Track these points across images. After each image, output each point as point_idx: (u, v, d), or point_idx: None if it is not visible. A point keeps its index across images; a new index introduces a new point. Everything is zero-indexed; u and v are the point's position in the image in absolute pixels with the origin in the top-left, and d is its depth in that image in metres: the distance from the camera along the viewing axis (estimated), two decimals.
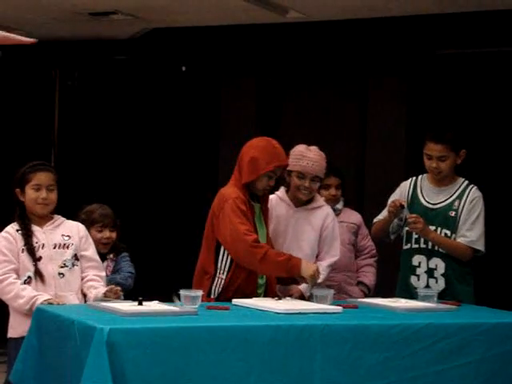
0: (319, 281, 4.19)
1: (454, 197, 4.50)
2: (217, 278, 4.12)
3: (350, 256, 4.85)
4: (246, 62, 7.05)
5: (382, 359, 3.53)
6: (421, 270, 4.51)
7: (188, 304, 3.65)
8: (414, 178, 4.66)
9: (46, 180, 4.02)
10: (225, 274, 4.11)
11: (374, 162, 6.57)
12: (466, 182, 4.57)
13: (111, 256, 4.56)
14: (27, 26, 6.98)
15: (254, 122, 7.01)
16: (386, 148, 6.51)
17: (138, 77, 7.50)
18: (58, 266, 3.95)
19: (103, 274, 4.13)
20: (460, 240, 4.45)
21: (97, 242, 4.45)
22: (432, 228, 4.48)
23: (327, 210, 4.53)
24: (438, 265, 4.47)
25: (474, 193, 4.50)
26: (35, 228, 4.00)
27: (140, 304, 3.57)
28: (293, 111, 7.01)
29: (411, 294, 4.37)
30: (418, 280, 4.49)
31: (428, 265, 4.49)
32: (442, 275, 4.46)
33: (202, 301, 3.78)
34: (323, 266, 4.37)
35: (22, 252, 3.93)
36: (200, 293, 3.73)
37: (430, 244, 4.48)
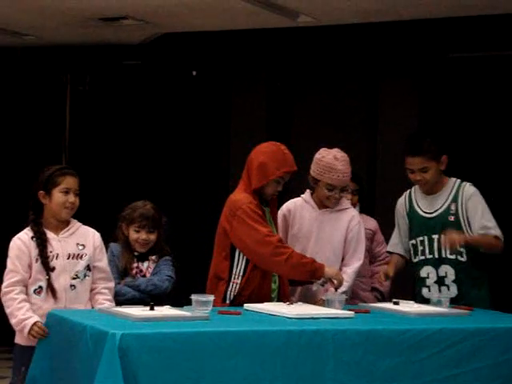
0: (344, 289, 4.20)
1: (448, 201, 4.43)
2: (231, 283, 4.12)
3: (365, 262, 4.83)
4: (257, 67, 7.05)
5: (394, 364, 3.52)
6: (430, 281, 4.44)
7: (200, 309, 3.65)
8: (408, 192, 4.58)
9: (74, 184, 3.96)
10: (239, 278, 4.11)
11: (385, 164, 6.55)
12: (458, 181, 4.48)
13: (153, 258, 4.47)
14: (38, 32, 7.01)
15: (265, 126, 7.01)
16: (397, 151, 6.48)
17: (148, 82, 7.51)
18: (70, 277, 3.90)
19: (112, 284, 4.07)
20: (487, 232, 4.34)
21: (133, 242, 4.44)
22: (435, 236, 4.41)
23: (352, 212, 4.51)
24: (448, 271, 4.41)
25: (467, 190, 4.42)
26: (50, 235, 3.93)
27: (152, 309, 3.57)
28: (303, 115, 7.00)
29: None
30: (429, 291, 4.43)
31: (438, 274, 4.42)
32: (454, 281, 4.41)
33: (217, 306, 3.78)
34: (348, 272, 4.36)
35: (36, 262, 3.87)
36: (211, 298, 3.72)
37: (436, 253, 4.42)
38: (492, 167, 6.21)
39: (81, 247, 3.95)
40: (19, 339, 3.89)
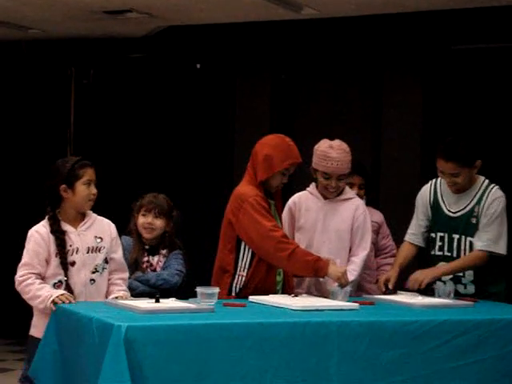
0: (353, 278, 4.23)
1: (473, 202, 4.36)
2: (237, 276, 4.13)
3: (370, 254, 4.82)
4: (261, 59, 7.06)
5: (399, 355, 3.53)
6: (446, 277, 4.37)
7: (205, 301, 3.66)
8: (434, 181, 4.50)
9: (94, 175, 3.92)
10: (245, 271, 4.13)
11: (389, 158, 6.55)
12: (486, 181, 4.41)
13: (164, 252, 4.44)
14: (43, 25, 7.02)
15: (269, 119, 7.01)
16: (401, 144, 6.51)
17: (153, 75, 7.52)
18: (90, 271, 3.86)
19: (126, 275, 4.05)
20: (476, 244, 4.30)
21: (140, 227, 4.42)
22: (455, 236, 4.37)
23: (357, 201, 4.51)
24: (466, 272, 4.34)
25: (493, 195, 4.35)
26: (69, 229, 3.87)
27: (157, 301, 3.59)
28: (308, 109, 7.00)
29: None
30: (445, 285, 4.33)
31: (454, 274, 4.35)
32: (472, 281, 4.35)
33: (223, 298, 3.80)
34: (357, 262, 4.37)
35: (56, 256, 3.81)
36: (217, 290, 3.74)
37: (455, 252, 4.36)
38: (495, 158, 6.20)
39: (99, 240, 3.92)
40: (35, 332, 3.86)
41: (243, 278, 4.12)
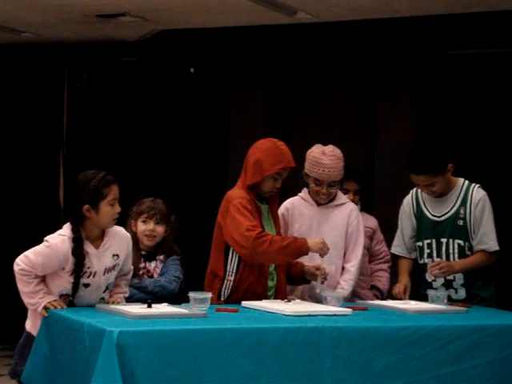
0: (350, 288, 4.30)
1: (458, 204, 4.37)
2: (226, 281, 4.11)
3: (364, 260, 4.81)
4: (255, 64, 7.05)
5: (392, 361, 3.52)
6: (437, 284, 4.39)
7: (197, 306, 3.65)
8: (414, 191, 4.50)
9: (118, 192, 3.71)
10: (233, 276, 4.11)
11: (383, 162, 6.55)
12: (466, 182, 4.42)
13: (161, 257, 4.34)
14: (36, 29, 7.01)
15: (263, 123, 7.00)
16: (395, 149, 6.50)
17: (146, 78, 7.51)
18: (102, 291, 3.77)
19: (130, 275, 3.96)
20: (482, 248, 4.33)
21: (141, 234, 4.32)
22: (443, 240, 4.39)
23: (351, 206, 4.50)
24: (456, 276, 4.36)
25: (476, 195, 4.36)
26: (91, 251, 3.70)
27: (149, 306, 3.58)
28: (301, 113, 7.00)
29: None
30: (437, 291, 4.32)
31: (445, 277, 4.37)
32: (462, 285, 4.38)
33: (212, 303, 3.78)
34: (352, 271, 4.38)
35: (71, 275, 3.68)
36: (209, 295, 3.72)
37: (444, 257, 4.37)
38: (490, 165, 6.21)
39: (115, 258, 3.78)
40: (33, 330, 3.77)
41: (231, 284, 4.10)
